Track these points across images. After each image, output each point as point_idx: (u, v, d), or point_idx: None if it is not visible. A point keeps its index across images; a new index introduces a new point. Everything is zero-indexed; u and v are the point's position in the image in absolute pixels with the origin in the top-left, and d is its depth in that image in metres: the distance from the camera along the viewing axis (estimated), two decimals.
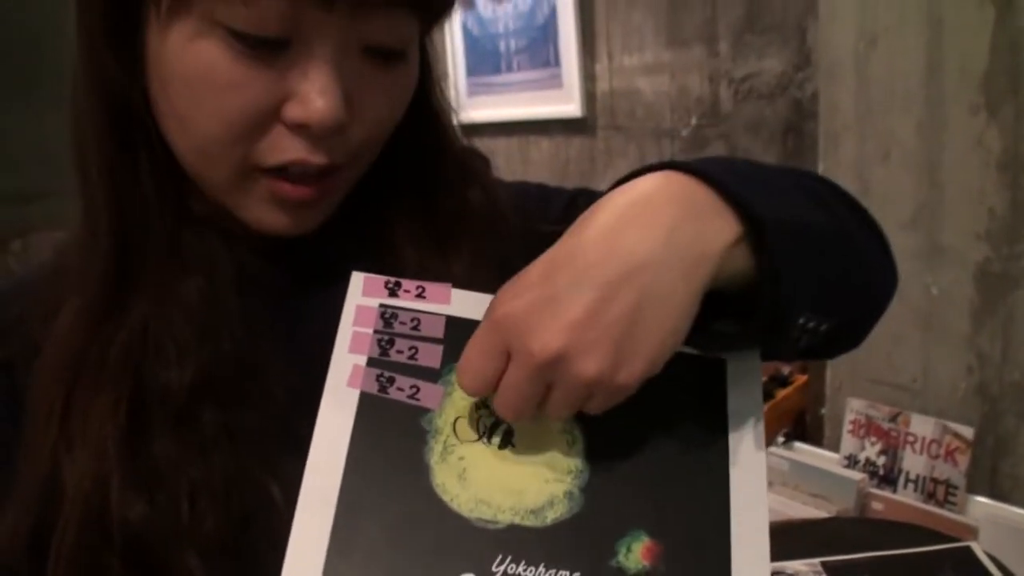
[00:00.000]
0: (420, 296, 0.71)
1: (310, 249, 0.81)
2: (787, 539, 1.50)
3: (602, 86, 3.14)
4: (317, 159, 0.72)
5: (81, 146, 0.77)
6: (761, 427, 0.69)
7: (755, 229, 0.64)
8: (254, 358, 0.76)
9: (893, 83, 1.84)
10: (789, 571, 1.34)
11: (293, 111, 0.70)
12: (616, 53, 3.08)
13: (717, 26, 2.75)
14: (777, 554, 1.37)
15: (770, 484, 2.00)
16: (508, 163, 3.57)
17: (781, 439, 2.07)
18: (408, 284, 0.71)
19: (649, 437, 0.68)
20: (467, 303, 0.71)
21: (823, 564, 1.36)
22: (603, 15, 3.09)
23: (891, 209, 1.88)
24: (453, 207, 0.87)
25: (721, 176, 0.65)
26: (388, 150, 0.83)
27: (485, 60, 3.49)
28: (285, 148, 0.72)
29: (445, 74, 0.92)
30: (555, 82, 3.24)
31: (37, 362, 0.76)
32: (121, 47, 0.74)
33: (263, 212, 0.77)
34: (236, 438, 0.73)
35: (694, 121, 2.87)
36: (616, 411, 0.65)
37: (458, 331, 0.69)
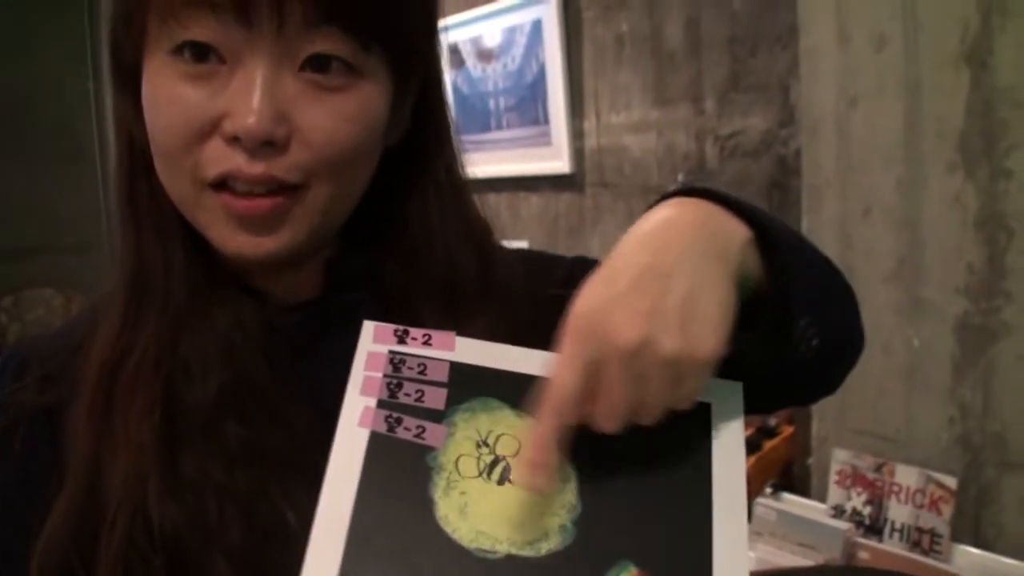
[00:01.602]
0: (427, 343, 0.76)
1: (332, 299, 0.88)
2: None
3: (590, 143, 3.19)
4: (253, 169, 0.77)
5: (116, 186, 0.87)
6: (742, 467, 0.74)
7: (762, 234, 0.74)
8: (274, 389, 0.81)
9: (873, 142, 1.89)
10: None
11: (225, 124, 0.76)
12: (604, 111, 3.12)
13: (703, 85, 2.80)
14: None
15: (758, 534, 2.03)
16: (498, 218, 3.59)
17: (769, 490, 2.09)
18: (415, 332, 0.77)
19: (638, 475, 0.72)
20: (470, 350, 0.76)
21: None
22: (591, 74, 3.14)
23: (873, 264, 1.92)
24: (469, 273, 0.91)
25: (726, 196, 0.76)
26: (405, 206, 0.89)
27: (475, 118, 3.54)
28: (224, 158, 0.77)
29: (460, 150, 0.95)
30: (544, 140, 3.28)
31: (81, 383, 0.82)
32: (129, 93, 0.83)
33: (222, 230, 0.81)
34: (257, 456, 0.78)
35: (681, 177, 2.92)
36: (607, 452, 0.71)
37: (461, 376, 0.75)
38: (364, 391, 0.74)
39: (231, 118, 0.75)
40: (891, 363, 1.93)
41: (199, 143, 0.77)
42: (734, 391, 0.76)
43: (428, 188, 0.91)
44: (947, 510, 1.83)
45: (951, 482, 1.83)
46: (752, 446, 2.17)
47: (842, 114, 1.93)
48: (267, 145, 0.76)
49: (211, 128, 0.77)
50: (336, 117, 0.79)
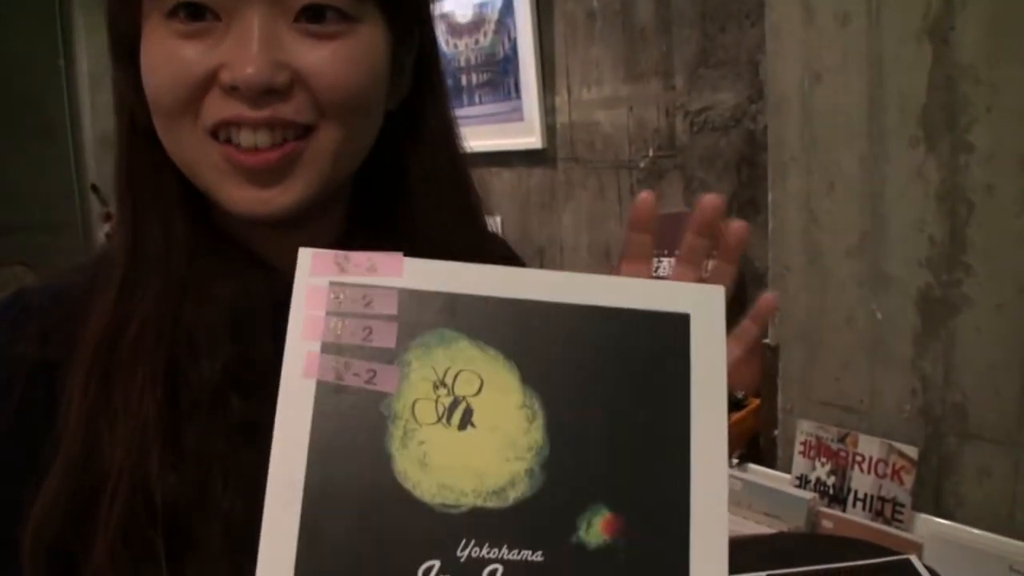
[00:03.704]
0: (371, 269, 0.69)
1: None
2: (735, 553, 1.55)
3: (562, 119, 3.20)
4: (256, 113, 0.78)
5: (117, 157, 0.87)
6: (723, 389, 0.69)
7: None
8: (277, 362, 0.77)
9: (837, 117, 1.90)
10: None
11: (223, 74, 0.77)
12: (575, 87, 3.13)
13: (673, 60, 2.82)
14: None
15: None
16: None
17: (735, 461, 2.11)
18: (358, 258, 0.69)
19: (610, 404, 0.68)
20: (420, 273, 0.70)
21: None
22: (562, 50, 3.15)
23: (837, 238, 1.95)
24: (466, 246, 0.91)
25: None
26: (408, 172, 0.90)
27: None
28: (223, 107, 0.78)
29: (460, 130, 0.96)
30: (516, 115, 3.29)
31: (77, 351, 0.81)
32: (129, 72, 0.83)
33: (229, 187, 0.81)
34: (259, 431, 0.74)
35: (651, 153, 2.93)
36: (577, 377, 0.67)
37: (412, 304, 0.69)
38: (306, 334, 0.68)
39: (229, 68, 0.76)
40: (854, 336, 1.95)
41: (198, 97, 0.78)
42: (715, 298, 0.71)
43: (427, 157, 0.91)
44: (909, 480, 1.85)
45: (913, 452, 1.86)
46: None
47: (807, 90, 1.95)
48: (269, 93, 0.77)
49: (209, 81, 0.78)
50: (336, 59, 0.80)
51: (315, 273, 0.69)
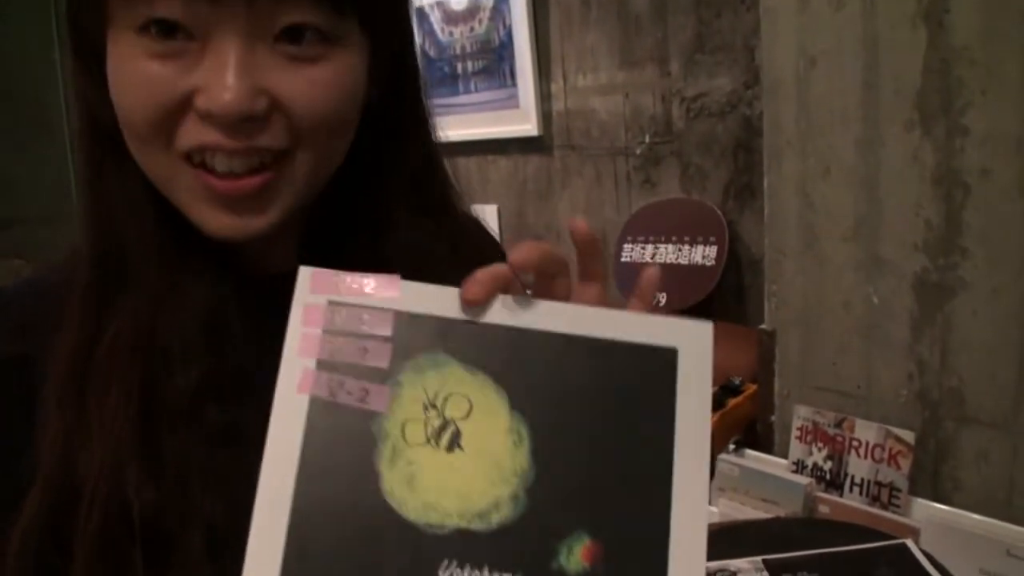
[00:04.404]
0: (368, 290, 0.70)
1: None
2: (732, 538, 1.55)
3: (558, 106, 3.19)
4: (234, 142, 0.75)
5: (77, 161, 0.85)
6: (708, 424, 0.69)
7: None
8: (253, 368, 0.78)
9: (832, 102, 1.90)
10: (732, 569, 1.39)
11: (199, 100, 0.74)
12: (571, 74, 3.13)
13: (668, 47, 2.81)
14: (721, 553, 1.43)
15: (721, 490, 2.05)
16: (467, 182, 3.60)
17: (732, 446, 2.11)
18: (356, 277, 0.70)
19: (595, 433, 0.68)
20: (416, 295, 0.71)
21: (764, 562, 1.41)
22: (558, 37, 3.14)
23: (833, 223, 1.94)
24: (439, 238, 0.91)
25: None
26: (383, 182, 0.88)
27: (443, 82, 3.54)
28: (197, 133, 0.76)
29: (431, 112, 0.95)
30: (512, 102, 3.28)
31: (51, 364, 0.80)
32: (92, 70, 0.80)
33: (203, 210, 0.79)
34: (236, 435, 0.76)
35: (647, 139, 2.93)
36: (564, 405, 0.68)
37: (406, 326, 0.69)
38: (302, 352, 0.68)
39: (205, 94, 0.73)
40: (851, 320, 1.95)
41: (171, 120, 0.75)
42: (703, 334, 0.71)
43: (398, 150, 0.90)
44: (906, 464, 1.85)
45: (910, 437, 1.85)
46: (716, 403, 2.19)
47: (802, 74, 1.94)
48: (247, 121, 0.74)
49: (183, 105, 0.75)
50: (316, 86, 0.77)
51: (314, 291, 0.70)
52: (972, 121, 1.69)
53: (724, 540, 1.54)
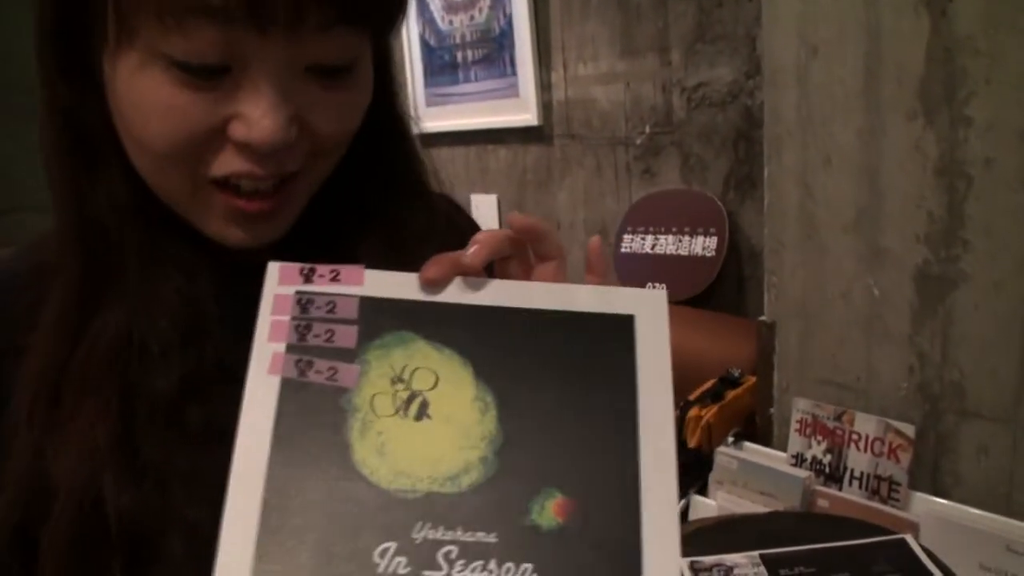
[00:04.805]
0: (335, 279, 0.73)
1: (284, 258, 0.84)
2: (728, 533, 1.53)
3: (558, 95, 3.18)
4: (265, 171, 0.76)
5: (48, 165, 0.83)
6: (669, 382, 0.72)
7: None
8: (233, 361, 0.76)
9: (833, 91, 1.88)
10: (728, 563, 1.37)
11: (238, 130, 0.73)
12: (571, 63, 3.11)
13: (669, 36, 2.79)
14: (718, 547, 1.41)
15: (719, 483, 2.04)
16: (467, 172, 3.60)
17: (731, 439, 2.10)
18: (322, 269, 0.73)
19: (560, 396, 0.71)
20: (380, 282, 0.74)
21: (762, 556, 1.40)
22: (558, 26, 3.13)
23: (833, 213, 1.92)
24: (413, 219, 0.91)
25: None
26: (351, 161, 0.87)
27: (443, 71, 3.52)
28: (233, 161, 0.75)
29: (403, 85, 0.95)
30: (512, 92, 3.27)
31: (20, 370, 0.79)
32: (74, 75, 0.78)
33: (221, 226, 0.80)
34: (219, 434, 0.74)
35: (648, 129, 2.91)
36: (528, 372, 0.71)
37: (372, 310, 0.72)
38: (272, 337, 0.71)
39: (245, 126, 0.73)
40: (851, 312, 1.93)
41: (202, 147, 0.75)
42: (658, 301, 0.75)
43: (379, 133, 0.89)
44: (905, 458, 1.83)
45: (910, 430, 1.84)
46: (715, 396, 2.18)
47: (803, 63, 1.92)
48: (281, 151, 0.75)
49: (217, 133, 0.74)
50: (340, 109, 0.78)
51: (283, 283, 0.73)
52: (975, 111, 1.67)
53: (721, 535, 1.53)
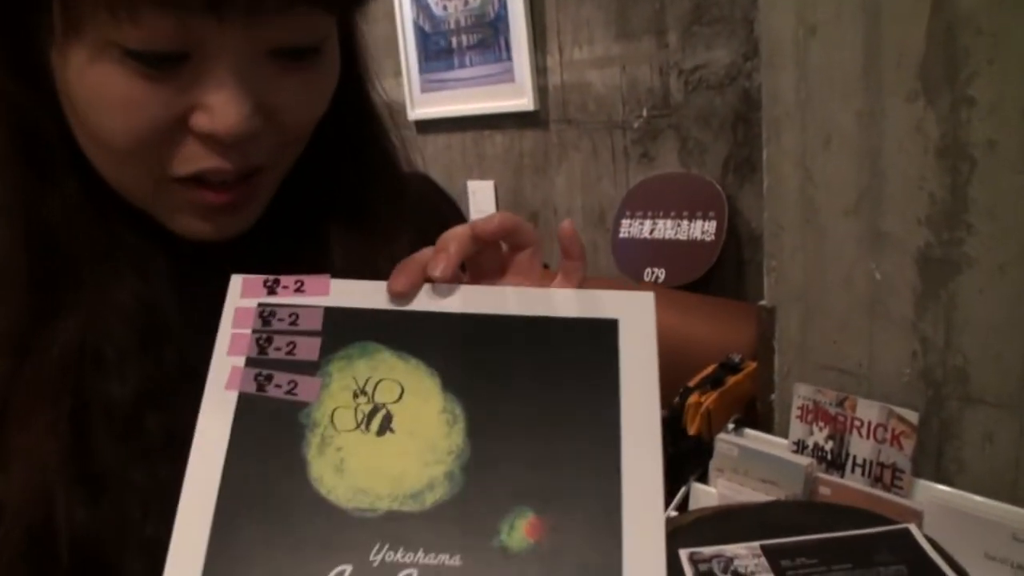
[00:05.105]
0: (299, 290, 0.71)
1: (247, 250, 0.80)
2: (728, 523, 1.50)
3: (554, 80, 3.15)
4: (231, 165, 0.72)
5: None
6: (655, 391, 0.68)
7: None
8: (194, 362, 0.74)
9: (832, 72, 1.85)
10: (728, 554, 1.34)
11: (200, 121, 0.70)
12: (567, 47, 3.09)
13: (665, 18, 2.76)
14: (718, 538, 1.39)
15: (720, 470, 2.01)
16: (463, 158, 3.57)
17: (731, 425, 2.07)
18: (287, 280, 0.71)
19: (535, 408, 0.67)
20: (346, 292, 0.71)
21: (763, 547, 1.37)
22: (553, 9, 3.10)
23: (833, 196, 1.89)
24: (384, 203, 0.88)
25: None
26: (318, 144, 0.83)
27: (438, 56, 3.50)
28: (197, 156, 0.72)
29: (374, 64, 0.91)
30: (507, 76, 3.25)
31: None
32: (20, 69, 0.74)
33: (186, 220, 0.77)
34: (180, 443, 0.71)
35: (645, 113, 2.89)
36: (500, 383, 0.67)
37: (337, 321, 0.70)
38: (232, 351, 0.68)
39: (208, 116, 0.70)
40: (853, 297, 1.90)
41: (165, 141, 0.71)
42: (644, 304, 0.71)
43: (340, 113, 0.85)
44: (909, 445, 1.81)
45: (913, 417, 1.81)
46: (715, 382, 2.15)
47: (801, 44, 1.89)
48: (247, 141, 0.72)
49: (178, 125, 0.71)
50: (307, 93, 0.75)
51: (245, 296, 0.71)
52: (978, 91, 1.64)
53: (720, 525, 1.50)
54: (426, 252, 0.71)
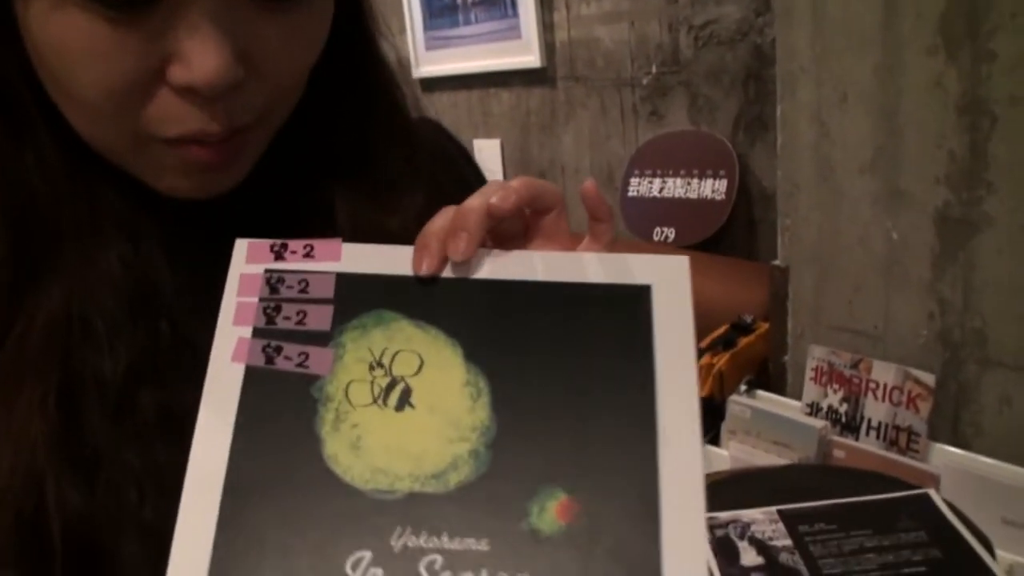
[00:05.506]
0: (308, 255, 0.66)
1: (247, 213, 0.75)
2: (744, 487, 1.48)
3: (561, 36, 3.11)
4: (216, 126, 0.67)
5: None
6: (692, 362, 0.63)
7: None
8: (191, 333, 0.71)
9: (849, 25, 1.80)
10: (745, 519, 1.32)
11: (178, 73, 0.64)
12: (574, 2, 3.05)
13: None
14: (734, 502, 1.36)
15: (732, 432, 1.98)
16: (469, 117, 3.54)
17: (744, 387, 2.05)
18: (295, 244, 0.66)
19: (564, 380, 0.63)
20: (360, 256, 0.66)
21: (779, 512, 1.35)
22: None
23: (850, 153, 1.86)
24: (394, 156, 0.83)
25: None
26: (316, 93, 0.78)
27: (442, 13, 3.46)
28: (179, 116, 0.66)
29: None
30: (513, 33, 3.21)
31: None
32: None
33: (171, 179, 0.71)
34: (177, 421, 0.67)
35: (655, 69, 2.85)
36: (526, 353, 0.63)
37: (351, 288, 0.65)
38: (237, 321, 0.64)
39: (184, 67, 0.63)
40: (868, 257, 1.87)
41: (141, 96, 0.65)
42: (679, 269, 0.66)
43: (339, 56, 0.80)
44: (925, 408, 1.78)
45: (929, 379, 1.78)
46: (727, 343, 2.13)
47: None
48: (230, 93, 0.66)
49: (155, 78, 0.65)
50: (293, 41, 0.69)
51: (250, 261, 0.66)
52: (1000, 46, 1.60)
53: (736, 488, 1.48)
54: (444, 223, 0.65)
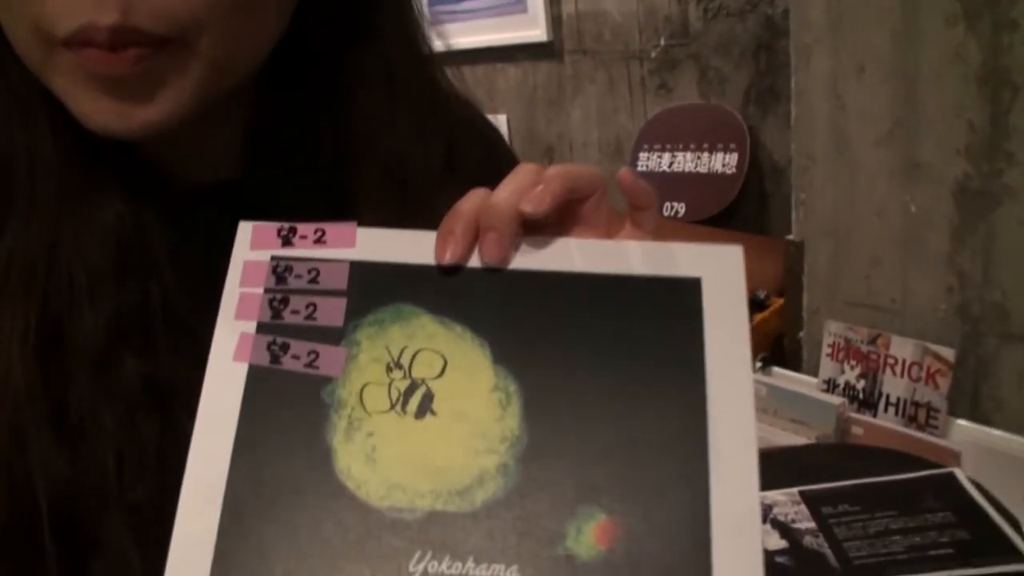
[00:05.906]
0: (320, 241, 0.60)
1: (259, 193, 0.69)
2: (764, 467, 1.46)
3: (568, 9, 3.07)
4: (105, 17, 0.57)
5: None
6: (747, 364, 0.57)
7: None
8: (185, 309, 0.66)
9: None
10: (767, 502, 1.30)
11: None
12: None
13: None
14: None
15: None
16: (475, 92, 3.50)
17: (759, 364, 2.02)
18: (305, 228, 0.60)
19: (604, 386, 0.57)
20: (376, 244, 0.60)
21: (801, 493, 1.33)
22: None
23: (867, 125, 1.83)
24: (426, 147, 0.77)
25: None
26: (330, 60, 0.74)
27: None
28: (73, 8, 0.58)
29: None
30: (519, 6, 3.17)
31: None
32: None
33: (82, 97, 0.62)
34: (163, 395, 0.64)
35: (663, 42, 2.81)
36: (561, 354, 0.57)
37: (366, 278, 0.59)
38: (240, 313, 0.58)
39: None
40: (886, 230, 1.84)
41: None
42: (732, 260, 0.60)
43: (373, 39, 0.74)
44: (944, 383, 1.75)
45: (949, 354, 1.75)
46: None
47: None
48: None
49: None
50: None
51: (255, 247, 0.60)
52: (1022, 15, 1.57)
53: None
54: (473, 207, 0.59)
